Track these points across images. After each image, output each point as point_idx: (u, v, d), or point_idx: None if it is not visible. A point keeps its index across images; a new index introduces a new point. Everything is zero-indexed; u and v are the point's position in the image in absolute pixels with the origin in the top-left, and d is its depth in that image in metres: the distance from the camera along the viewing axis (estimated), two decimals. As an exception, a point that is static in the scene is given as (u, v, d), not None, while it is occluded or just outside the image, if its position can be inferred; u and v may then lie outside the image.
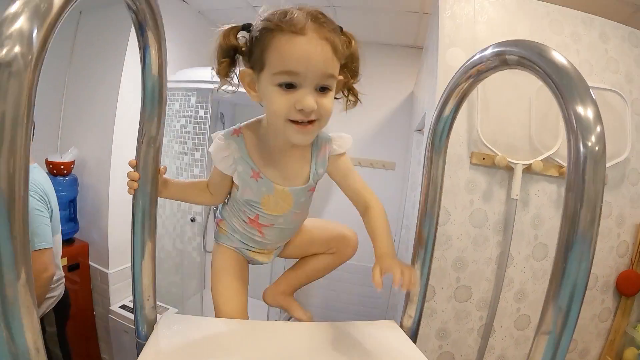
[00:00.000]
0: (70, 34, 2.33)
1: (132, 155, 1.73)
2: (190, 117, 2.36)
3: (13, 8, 0.31)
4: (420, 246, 0.78)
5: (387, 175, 3.09)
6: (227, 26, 0.68)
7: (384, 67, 2.96)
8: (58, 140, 2.36)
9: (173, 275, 2.53)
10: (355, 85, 0.76)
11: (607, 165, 1.56)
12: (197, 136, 2.37)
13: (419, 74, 2.69)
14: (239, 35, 0.68)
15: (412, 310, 0.80)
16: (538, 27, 1.65)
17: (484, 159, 1.52)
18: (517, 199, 1.50)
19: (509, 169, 1.53)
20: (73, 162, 2.18)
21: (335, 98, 0.69)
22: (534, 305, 1.67)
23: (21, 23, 0.31)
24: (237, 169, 0.74)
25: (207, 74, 2.11)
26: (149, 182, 0.69)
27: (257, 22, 0.64)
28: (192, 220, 2.48)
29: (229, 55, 0.68)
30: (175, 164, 2.41)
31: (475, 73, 0.66)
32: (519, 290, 1.63)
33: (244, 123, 0.77)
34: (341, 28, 0.68)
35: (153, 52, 0.62)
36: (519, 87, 1.58)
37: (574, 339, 1.42)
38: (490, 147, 1.52)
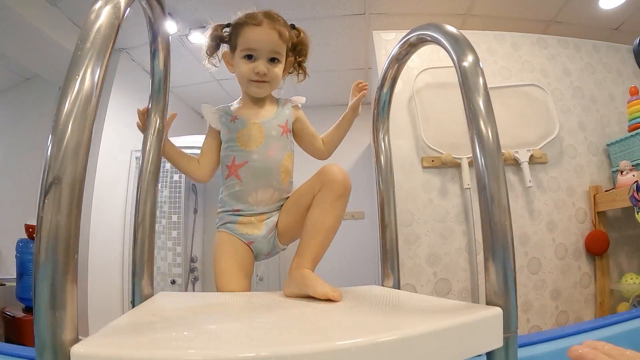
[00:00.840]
0: (50, 107, 2.52)
1: (112, 220, 1.93)
2: (166, 182, 2.53)
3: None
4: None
5: (357, 225, 3.33)
6: (216, 23, 1.00)
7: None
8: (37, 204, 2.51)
9: None
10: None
11: (542, 144, 1.80)
12: (172, 200, 2.52)
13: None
14: (223, 31, 0.99)
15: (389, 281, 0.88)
16: None
17: (433, 161, 1.73)
18: (469, 189, 1.70)
19: (457, 165, 1.74)
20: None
21: (289, 73, 1.02)
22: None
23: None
24: (221, 120, 0.99)
25: (180, 143, 2.34)
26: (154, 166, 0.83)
27: (234, 22, 0.96)
28: (172, 282, 2.53)
29: (215, 41, 0.99)
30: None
31: (401, 54, 0.87)
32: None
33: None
34: (293, 25, 1.00)
35: (161, 55, 0.82)
36: (450, 98, 1.83)
37: (563, 310, 1.59)
38: (436, 149, 1.73)
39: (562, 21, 2.57)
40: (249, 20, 0.92)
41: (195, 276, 2.82)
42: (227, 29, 0.98)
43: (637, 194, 1.58)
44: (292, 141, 1.01)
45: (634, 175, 1.74)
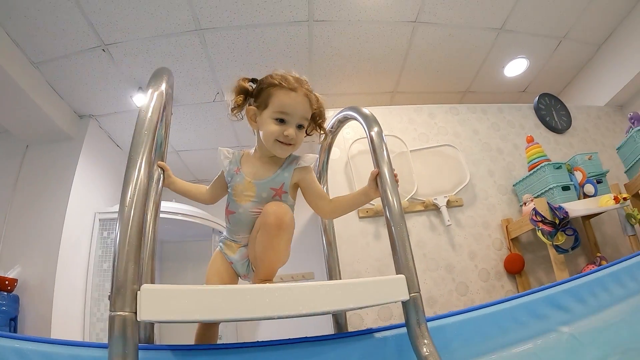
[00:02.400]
0: (16, 163, 2.77)
1: (77, 278, 2.37)
2: None
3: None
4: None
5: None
6: (242, 77, 1.09)
7: None
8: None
9: None
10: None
11: (456, 190, 2.41)
12: None
13: None
14: (248, 84, 1.08)
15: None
16: (385, 121, 2.57)
17: (367, 212, 2.35)
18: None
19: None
20: (16, 280, 2.34)
21: (308, 134, 1.11)
22: (445, 306, 2.33)
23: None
24: (229, 167, 1.11)
25: None
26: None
27: (265, 80, 1.04)
28: None
29: (242, 95, 1.07)
30: None
31: (333, 127, 1.38)
32: (428, 297, 2.30)
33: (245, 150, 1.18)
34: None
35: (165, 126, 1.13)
36: None
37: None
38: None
39: (476, 90, 3.30)
40: (284, 83, 1.00)
41: None
42: (252, 84, 1.09)
43: (535, 217, 2.12)
44: (287, 198, 1.08)
45: (534, 202, 2.30)
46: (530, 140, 2.53)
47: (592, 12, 2.73)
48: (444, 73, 3.11)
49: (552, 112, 2.96)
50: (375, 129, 1.14)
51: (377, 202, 2.31)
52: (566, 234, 1.97)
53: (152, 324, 1.04)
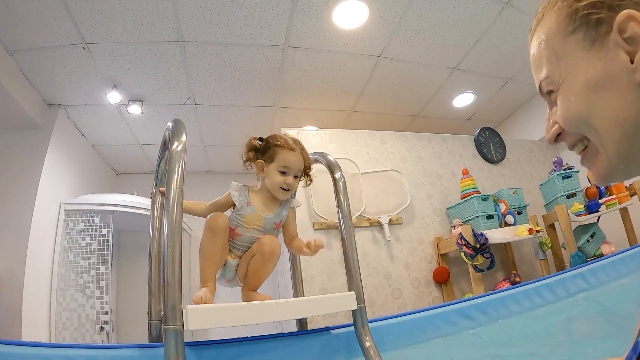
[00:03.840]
0: None
1: (44, 269, 2.51)
2: (95, 235, 2.90)
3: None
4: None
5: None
6: (252, 137, 1.41)
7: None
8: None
9: None
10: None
11: (398, 211, 2.87)
12: (101, 252, 2.88)
13: None
14: (256, 142, 1.39)
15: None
16: (342, 143, 2.98)
17: (321, 224, 2.75)
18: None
19: (337, 227, 2.76)
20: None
21: (299, 179, 1.40)
22: (382, 308, 2.80)
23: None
24: (239, 198, 1.36)
25: (106, 198, 3.31)
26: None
27: (271, 140, 1.36)
28: (101, 328, 2.82)
29: (253, 151, 1.38)
30: (81, 277, 2.84)
31: None
32: (369, 299, 2.76)
33: (251, 185, 1.45)
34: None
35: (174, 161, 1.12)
36: None
37: None
38: (323, 217, 2.75)
39: (425, 115, 3.80)
40: (285, 145, 1.34)
41: (112, 327, 3.02)
42: (259, 141, 1.40)
43: (461, 240, 2.61)
44: (279, 230, 1.42)
45: (461, 228, 2.79)
46: (465, 172, 3.03)
47: None
48: (399, 99, 3.58)
49: (490, 145, 3.51)
50: (338, 173, 1.56)
51: (330, 217, 2.73)
52: (484, 257, 2.48)
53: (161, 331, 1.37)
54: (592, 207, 2.59)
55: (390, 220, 2.88)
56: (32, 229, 2.62)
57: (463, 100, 3.62)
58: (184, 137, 1.19)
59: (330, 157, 1.62)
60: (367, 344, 1.30)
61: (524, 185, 3.60)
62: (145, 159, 4.06)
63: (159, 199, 1.49)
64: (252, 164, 1.40)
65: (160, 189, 1.50)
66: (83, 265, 2.86)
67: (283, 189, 1.36)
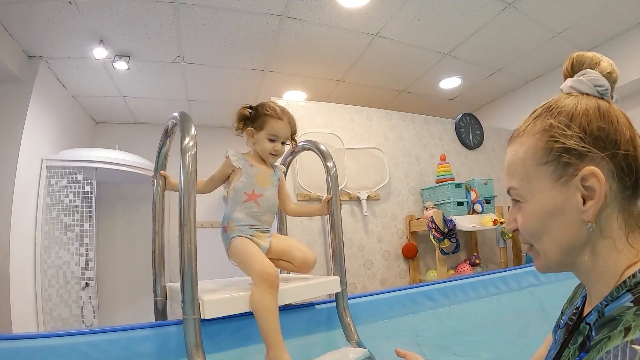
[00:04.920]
0: None
1: (31, 227, 2.69)
2: (78, 192, 2.96)
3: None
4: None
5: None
6: (243, 106, 1.53)
7: (225, 145, 4.39)
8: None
9: None
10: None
11: (376, 188, 3.12)
12: (84, 209, 2.96)
13: None
14: (246, 111, 1.51)
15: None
16: (329, 117, 3.14)
17: (304, 196, 2.97)
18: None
19: (319, 199, 3.00)
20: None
21: (286, 144, 1.55)
22: (354, 276, 3.11)
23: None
24: (241, 163, 1.47)
25: (90, 154, 3.38)
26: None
27: (261, 110, 1.49)
28: (86, 285, 2.94)
29: (244, 120, 1.51)
30: (65, 235, 2.91)
31: (293, 151, 1.89)
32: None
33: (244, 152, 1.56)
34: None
35: (187, 158, 1.21)
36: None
37: None
38: (306, 189, 2.96)
39: (411, 92, 3.98)
40: (274, 115, 1.47)
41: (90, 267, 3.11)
42: (249, 110, 1.52)
43: (431, 224, 2.88)
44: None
45: (432, 212, 3.07)
46: (443, 158, 3.25)
47: (529, 56, 3.47)
48: (388, 75, 3.72)
49: (469, 131, 3.75)
50: (330, 163, 1.70)
51: (313, 190, 2.95)
52: (450, 241, 2.78)
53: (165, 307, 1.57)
54: None
55: (368, 196, 3.12)
56: (15, 187, 2.62)
57: (450, 83, 3.81)
58: (193, 131, 1.28)
59: (322, 147, 1.76)
60: (347, 320, 1.57)
61: (495, 172, 3.91)
62: (127, 110, 4.07)
63: (160, 183, 1.62)
64: (242, 132, 1.53)
65: (161, 172, 1.62)
66: (67, 222, 2.92)
67: (272, 154, 1.51)
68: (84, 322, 2.90)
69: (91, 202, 2.99)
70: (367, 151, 3.23)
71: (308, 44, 3.20)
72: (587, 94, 0.64)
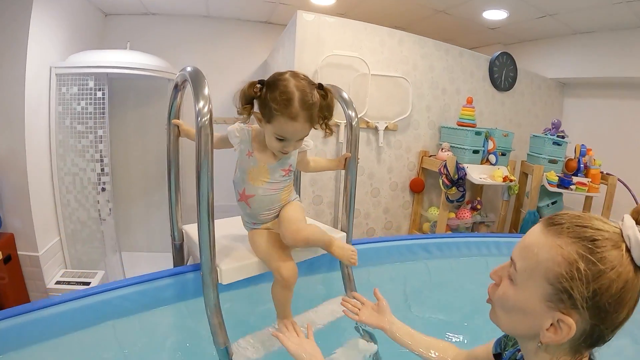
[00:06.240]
0: None
1: (42, 138, 2.70)
2: (90, 99, 2.90)
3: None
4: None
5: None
6: (250, 83, 1.21)
7: (242, 40, 4.29)
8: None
9: (92, 241, 3.13)
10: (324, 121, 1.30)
11: (398, 119, 3.20)
12: (97, 116, 2.94)
13: (276, 46, 3.88)
14: (255, 89, 1.20)
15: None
16: (359, 37, 3.03)
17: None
18: (342, 143, 3.10)
19: (336, 125, 3.10)
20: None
21: (314, 128, 1.27)
22: (360, 202, 3.30)
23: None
24: (240, 147, 1.30)
25: (100, 58, 3.23)
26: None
27: (271, 96, 1.17)
28: (103, 189, 3.06)
29: (249, 102, 1.23)
30: (80, 142, 2.95)
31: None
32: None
33: (254, 126, 1.34)
34: (321, 85, 1.24)
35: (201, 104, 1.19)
36: (343, 77, 3.04)
37: (390, 220, 3.26)
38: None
39: (451, 14, 3.79)
40: (285, 112, 1.15)
41: (106, 172, 3.20)
42: (259, 88, 1.20)
43: (443, 170, 2.97)
44: (293, 173, 1.41)
45: (447, 155, 3.09)
46: (469, 101, 3.21)
47: (589, 11, 3.26)
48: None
49: (503, 72, 3.67)
50: (351, 112, 1.65)
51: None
52: (458, 190, 2.94)
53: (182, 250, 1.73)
54: (564, 183, 3.00)
55: (386, 127, 3.20)
56: (26, 99, 2.56)
57: (494, 14, 3.61)
58: (206, 90, 1.22)
59: (345, 95, 1.68)
60: (347, 271, 1.77)
61: (519, 119, 3.94)
62: (140, 4, 3.79)
63: (174, 130, 1.58)
64: (248, 116, 1.27)
65: (174, 121, 1.54)
66: (80, 130, 2.94)
67: (281, 152, 1.29)
68: (101, 222, 3.12)
69: (104, 108, 2.98)
70: (393, 80, 3.22)
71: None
72: (633, 263, 0.64)
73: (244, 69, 4.38)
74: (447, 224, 3.15)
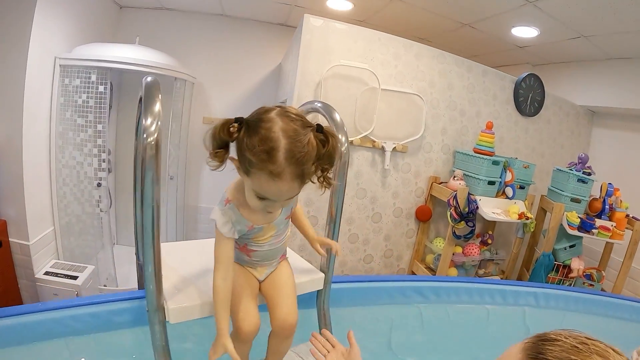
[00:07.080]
0: None
1: (42, 128, 2.60)
2: (92, 92, 2.88)
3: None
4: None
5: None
6: (223, 122, 0.91)
7: (257, 42, 4.14)
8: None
9: (85, 235, 3.14)
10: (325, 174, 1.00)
11: (408, 140, 2.97)
12: (98, 110, 2.92)
13: (288, 50, 3.64)
14: (232, 129, 0.91)
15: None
16: (370, 48, 2.82)
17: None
18: (346, 161, 2.89)
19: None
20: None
21: (312, 182, 0.97)
22: (359, 227, 3.12)
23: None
24: (236, 228, 1.08)
25: (105, 52, 3.11)
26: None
27: (248, 143, 0.88)
28: (99, 185, 3.04)
29: (223, 146, 0.93)
30: (79, 136, 2.93)
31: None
32: (348, 217, 3.03)
33: (229, 190, 1.08)
34: (321, 128, 0.94)
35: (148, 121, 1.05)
36: (350, 90, 2.84)
37: (390, 248, 3.01)
38: (329, 128, 2.84)
39: (476, 28, 3.57)
40: (266, 167, 0.87)
41: (109, 168, 3.26)
42: (237, 127, 0.92)
43: (452, 201, 2.74)
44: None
45: (459, 184, 2.85)
46: (489, 127, 2.97)
47: (627, 36, 3.02)
48: (456, 3, 3.28)
49: (529, 95, 3.41)
50: (342, 137, 1.42)
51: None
52: (467, 224, 2.69)
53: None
54: (585, 226, 2.72)
55: (394, 148, 2.99)
56: (26, 90, 2.53)
57: (524, 32, 3.38)
58: (157, 107, 1.08)
59: (337, 116, 1.45)
60: (323, 311, 1.58)
61: (542, 148, 3.67)
62: None
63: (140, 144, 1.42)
64: (221, 161, 0.97)
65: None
66: (80, 123, 2.92)
67: (267, 211, 1.07)
68: (98, 217, 3.12)
69: (105, 102, 2.94)
70: (406, 96, 3.00)
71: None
72: None
73: (258, 70, 4.24)
74: (452, 260, 2.90)
